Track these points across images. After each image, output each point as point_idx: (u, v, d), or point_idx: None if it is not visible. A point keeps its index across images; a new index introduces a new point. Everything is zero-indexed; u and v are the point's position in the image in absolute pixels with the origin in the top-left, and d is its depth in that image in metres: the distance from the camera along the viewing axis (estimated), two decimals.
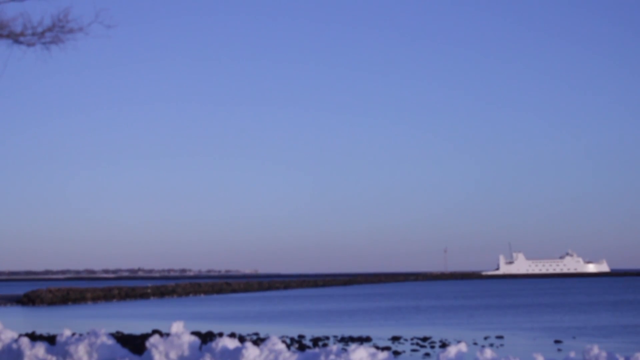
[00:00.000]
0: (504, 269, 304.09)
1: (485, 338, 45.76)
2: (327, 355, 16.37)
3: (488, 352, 16.33)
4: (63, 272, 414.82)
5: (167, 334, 18.45)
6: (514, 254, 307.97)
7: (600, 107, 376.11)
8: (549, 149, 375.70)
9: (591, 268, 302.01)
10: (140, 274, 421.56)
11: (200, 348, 17.63)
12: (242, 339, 42.88)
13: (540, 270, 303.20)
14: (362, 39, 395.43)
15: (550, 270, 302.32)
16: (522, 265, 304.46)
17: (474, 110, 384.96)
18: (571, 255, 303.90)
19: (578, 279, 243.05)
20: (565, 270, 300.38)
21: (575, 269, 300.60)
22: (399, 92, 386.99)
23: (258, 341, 41.53)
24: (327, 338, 46.32)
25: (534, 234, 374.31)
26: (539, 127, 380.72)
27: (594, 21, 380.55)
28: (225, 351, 17.11)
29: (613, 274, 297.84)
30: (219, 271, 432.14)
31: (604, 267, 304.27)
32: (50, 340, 33.16)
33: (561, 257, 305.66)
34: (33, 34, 14.19)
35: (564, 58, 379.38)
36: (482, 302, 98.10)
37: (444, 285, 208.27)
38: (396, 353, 38.02)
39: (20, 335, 19.57)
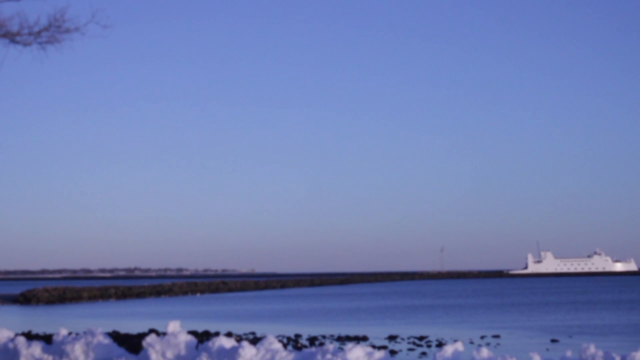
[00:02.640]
0: (532, 268, 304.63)
1: (482, 337, 45.77)
2: (324, 354, 16.38)
3: (484, 352, 16.34)
4: (59, 271, 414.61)
5: (164, 333, 18.44)
6: (542, 253, 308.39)
7: (627, 104, 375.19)
8: (577, 147, 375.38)
9: (619, 267, 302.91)
10: (137, 273, 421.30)
11: (196, 347, 17.63)
12: (238, 338, 42.88)
13: (568, 269, 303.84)
14: (358, 38, 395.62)
15: (579, 269, 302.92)
16: (550, 264, 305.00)
17: (474, 109, 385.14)
18: (599, 254, 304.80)
19: (605, 278, 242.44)
20: (593, 269, 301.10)
21: (604, 268, 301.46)
22: (395, 91, 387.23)
23: (255, 340, 41.54)
24: (324, 337, 46.34)
25: (562, 232, 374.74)
26: (562, 125, 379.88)
27: (594, 21, 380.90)
28: (221, 350, 17.11)
29: None
30: (216, 270, 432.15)
31: (632, 266, 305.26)
32: (47, 339, 33.15)
33: (589, 256, 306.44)
34: (29, 34, 14.18)
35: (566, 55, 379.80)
36: (480, 302, 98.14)
37: (458, 284, 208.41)
38: (393, 352, 38.01)
39: (17, 335, 19.55)
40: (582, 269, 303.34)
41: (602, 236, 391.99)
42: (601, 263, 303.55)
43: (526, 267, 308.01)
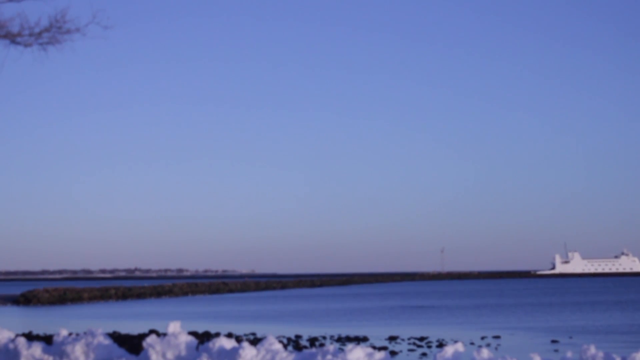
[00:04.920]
0: (560, 269, 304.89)
1: (482, 338, 45.77)
2: (324, 355, 16.38)
3: (485, 352, 16.34)
4: (60, 272, 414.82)
5: (164, 334, 18.44)
6: (570, 254, 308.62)
7: None
8: (604, 147, 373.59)
9: None
10: (137, 273, 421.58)
11: (197, 348, 17.63)
12: (239, 339, 42.88)
13: (596, 269, 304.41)
14: (358, 38, 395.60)
15: (606, 270, 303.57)
16: (578, 265, 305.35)
17: (478, 109, 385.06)
18: (627, 255, 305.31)
19: (632, 279, 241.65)
20: (620, 270, 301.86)
21: (631, 269, 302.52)
22: (395, 92, 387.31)
23: (255, 341, 41.54)
24: (324, 338, 46.34)
25: (591, 233, 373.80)
26: (583, 125, 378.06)
27: (594, 22, 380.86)
28: (222, 351, 17.12)
29: None
30: (216, 271, 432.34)
31: None
32: (47, 340, 33.15)
33: (616, 257, 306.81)
34: (30, 35, 14.17)
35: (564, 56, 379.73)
36: (480, 302, 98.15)
37: (463, 285, 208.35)
38: (393, 353, 38.02)
39: (17, 335, 19.55)
40: (610, 269, 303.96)
41: (630, 237, 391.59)
42: (628, 264, 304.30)
43: (554, 268, 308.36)
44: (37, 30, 14.21)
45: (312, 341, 44.32)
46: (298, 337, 47.20)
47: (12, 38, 14.18)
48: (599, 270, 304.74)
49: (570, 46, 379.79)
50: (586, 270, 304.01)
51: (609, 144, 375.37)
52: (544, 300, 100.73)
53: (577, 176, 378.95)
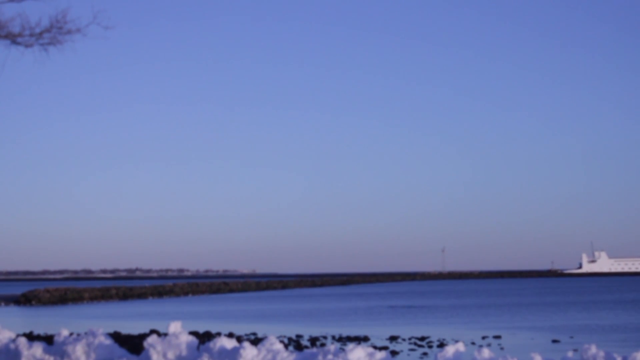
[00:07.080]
0: (587, 268, 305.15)
1: (483, 338, 45.76)
2: (325, 355, 16.38)
3: (486, 352, 16.34)
4: (61, 272, 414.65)
5: (165, 334, 18.44)
6: (596, 253, 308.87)
7: None
8: (624, 146, 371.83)
9: None
10: (138, 273, 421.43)
11: (198, 348, 17.64)
12: (239, 339, 42.88)
13: (622, 268, 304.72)
14: (358, 38, 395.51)
15: (633, 269, 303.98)
16: (604, 264, 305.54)
17: (473, 110, 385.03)
18: None
19: None
20: None
21: None
22: (395, 91, 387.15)
23: (256, 341, 41.54)
24: (325, 338, 46.36)
25: (617, 232, 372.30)
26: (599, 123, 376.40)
27: (593, 22, 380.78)
28: (223, 351, 17.13)
29: None
30: (217, 271, 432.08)
31: None
32: (48, 340, 33.12)
33: None
34: (31, 35, 14.18)
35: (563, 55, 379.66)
36: (482, 302, 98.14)
37: (469, 284, 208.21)
38: (394, 353, 38.02)
39: (18, 335, 19.57)
40: (637, 268, 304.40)
41: None
42: None
43: (580, 267, 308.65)
44: (37, 30, 14.21)
45: (313, 341, 44.34)
46: (299, 337, 47.22)
47: (13, 38, 14.19)
48: (626, 269, 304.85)
49: (570, 46, 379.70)
50: (613, 270, 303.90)
51: (631, 145, 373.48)
52: (548, 300, 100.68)
53: (604, 175, 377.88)
